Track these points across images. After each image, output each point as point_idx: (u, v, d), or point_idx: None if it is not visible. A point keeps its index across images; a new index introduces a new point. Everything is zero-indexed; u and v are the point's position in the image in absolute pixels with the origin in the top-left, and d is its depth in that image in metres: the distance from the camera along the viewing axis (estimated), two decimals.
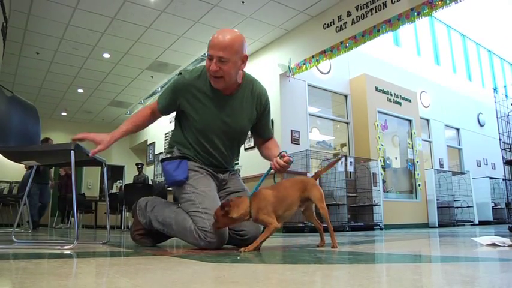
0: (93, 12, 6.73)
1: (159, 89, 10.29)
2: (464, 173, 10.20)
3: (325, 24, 6.74)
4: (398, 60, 10.08)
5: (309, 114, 7.95)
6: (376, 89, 8.69)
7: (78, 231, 2.30)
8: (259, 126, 2.52)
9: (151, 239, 2.54)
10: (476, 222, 9.43)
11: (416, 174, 9.04)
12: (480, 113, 12.68)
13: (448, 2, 5.19)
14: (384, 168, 8.33)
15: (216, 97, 2.32)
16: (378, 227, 7.37)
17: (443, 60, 12.12)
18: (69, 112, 12.33)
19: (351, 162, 7.37)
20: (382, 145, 8.39)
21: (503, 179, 11.00)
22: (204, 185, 2.32)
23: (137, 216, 2.53)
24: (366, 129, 8.32)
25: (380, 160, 8.07)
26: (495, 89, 5.54)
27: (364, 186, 7.73)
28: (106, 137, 2.24)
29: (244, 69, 2.37)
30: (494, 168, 12.28)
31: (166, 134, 11.40)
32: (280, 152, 2.20)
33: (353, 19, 6.26)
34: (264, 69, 7.73)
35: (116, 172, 14.34)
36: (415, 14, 5.54)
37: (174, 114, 2.54)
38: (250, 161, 6.56)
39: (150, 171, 12.21)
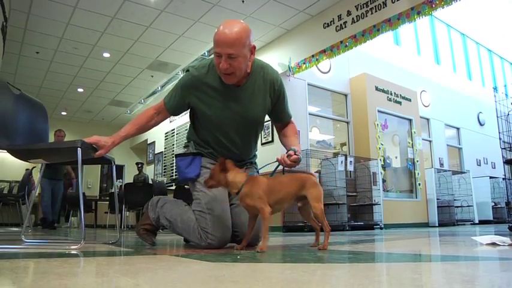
0: (93, 11, 6.73)
1: (159, 88, 10.28)
2: (464, 172, 10.20)
3: (325, 23, 6.73)
4: (399, 60, 10.07)
5: (309, 114, 7.94)
6: (376, 88, 8.69)
7: (85, 231, 2.28)
8: (276, 112, 2.46)
9: (153, 236, 2.54)
10: (476, 221, 9.43)
11: (416, 174, 9.04)
12: (480, 112, 12.68)
13: (448, 1, 5.19)
14: (383, 167, 8.33)
15: (226, 90, 2.26)
16: (378, 226, 7.38)
17: (443, 60, 12.11)
18: (69, 111, 12.32)
19: (351, 161, 7.37)
20: (382, 144, 8.39)
21: (503, 178, 10.99)
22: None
23: (147, 211, 2.54)
24: (366, 129, 8.32)
25: (380, 159, 8.07)
26: (495, 88, 5.54)
27: (364, 186, 7.73)
28: (108, 141, 2.23)
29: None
30: (494, 168, 12.28)
31: (166, 133, 11.40)
32: (288, 150, 2.19)
33: (353, 18, 6.26)
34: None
35: (116, 171, 14.35)
36: (415, 13, 5.53)
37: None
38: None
39: (150, 171, 12.21)
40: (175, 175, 10.51)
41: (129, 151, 14.21)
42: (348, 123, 8.65)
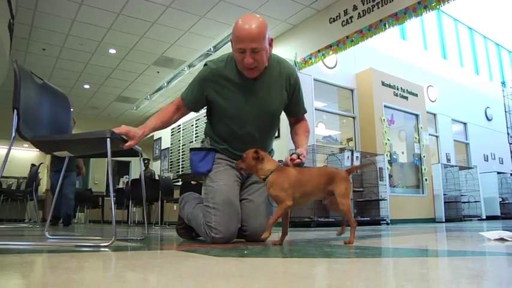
0: (98, 8, 6.74)
1: (165, 84, 10.30)
2: (471, 168, 10.13)
3: (331, 18, 6.70)
4: (405, 55, 10.00)
5: (315, 109, 7.92)
6: (383, 84, 8.64)
7: (116, 227, 2.24)
8: (291, 106, 2.47)
9: (192, 232, 2.62)
10: (484, 217, 9.37)
11: (423, 169, 8.99)
12: (488, 107, 12.57)
13: None
14: (390, 162, 8.30)
15: (244, 83, 2.28)
16: (385, 221, 7.36)
17: (450, 54, 12.02)
18: (75, 108, 12.38)
19: (357, 156, 7.35)
20: (388, 140, 8.36)
21: (511, 174, 10.97)
22: (222, 179, 2.32)
23: (180, 211, 2.64)
24: (372, 124, 8.29)
25: (386, 155, 8.03)
26: (503, 83, 5.50)
27: (370, 181, 7.71)
28: (138, 132, 2.20)
29: None
30: (502, 163, 12.19)
31: (172, 129, 11.42)
32: (292, 154, 2.20)
33: (359, 13, 6.23)
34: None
35: (122, 167, 14.42)
36: (422, 7, 5.50)
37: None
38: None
39: (156, 167, 12.25)
40: (182, 171, 10.54)
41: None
42: (354, 118, 8.62)
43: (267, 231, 2.05)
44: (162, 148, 12.20)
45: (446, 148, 10.55)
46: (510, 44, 14.58)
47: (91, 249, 1.99)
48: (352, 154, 7.27)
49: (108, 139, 2.03)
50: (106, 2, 6.58)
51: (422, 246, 2.29)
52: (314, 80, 7.93)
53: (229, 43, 2.34)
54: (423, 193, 8.94)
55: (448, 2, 5.36)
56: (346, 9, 6.44)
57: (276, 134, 7.37)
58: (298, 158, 2.16)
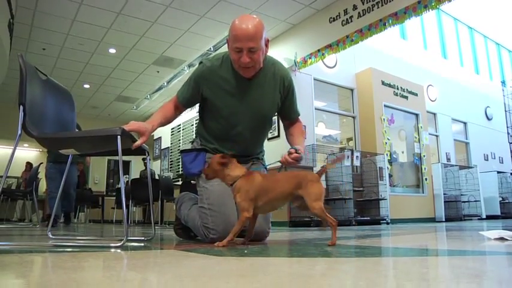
0: (98, 7, 6.74)
1: (165, 84, 10.30)
2: (471, 167, 10.14)
3: (331, 18, 6.70)
4: (405, 54, 10.00)
5: (315, 109, 7.93)
6: (383, 83, 8.64)
7: (128, 227, 2.21)
8: (284, 108, 2.48)
9: (189, 232, 2.63)
10: (484, 216, 9.37)
11: (423, 169, 9.00)
12: (488, 106, 12.57)
13: None
14: (390, 162, 8.30)
15: (238, 83, 2.29)
16: (385, 221, 7.36)
17: (450, 54, 12.02)
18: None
19: (357, 156, 7.35)
20: (388, 139, 8.36)
21: (511, 173, 10.97)
22: (214, 180, 2.32)
23: (177, 212, 2.66)
24: (372, 123, 8.29)
25: (386, 154, 8.04)
26: (503, 82, 5.50)
27: (370, 181, 7.71)
28: (148, 127, 2.17)
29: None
30: (502, 162, 12.19)
31: (172, 129, 11.42)
32: (289, 149, 2.20)
33: (359, 12, 6.23)
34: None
35: (123, 167, 14.42)
36: (422, 7, 5.50)
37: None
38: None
39: (156, 166, 12.26)
40: (182, 170, 10.54)
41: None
42: (354, 118, 8.62)
43: (225, 240, 1.99)
44: (162, 148, 12.20)
45: (446, 147, 10.56)
46: (510, 43, 14.57)
47: (101, 250, 1.99)
48: (352, 153, 7.27)
49: (119, 137, 1.96)
50: (106, 1, 6.58)
51: (422, 246, 2.29)
52: (314, 79, 7.94)
53: None
54: (423, 193, 8.94)
55: (448, 2, 5.36)
56: (346, 9, 6.43)
57: (276, 134, 7.34)
58: (296, 152, 2.16)
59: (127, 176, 12.56)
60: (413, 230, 4.35)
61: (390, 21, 5.83)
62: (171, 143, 11.62)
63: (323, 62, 7.90)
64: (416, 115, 9.23)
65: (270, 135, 7.19)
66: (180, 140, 11.06)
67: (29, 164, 10.68)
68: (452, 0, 5.29)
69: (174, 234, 2.79)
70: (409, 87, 9.20)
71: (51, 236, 2.68)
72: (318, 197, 1.97)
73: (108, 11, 6.88)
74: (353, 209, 6.96)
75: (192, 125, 10.34)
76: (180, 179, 9.42)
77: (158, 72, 9.65)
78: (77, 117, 2.72)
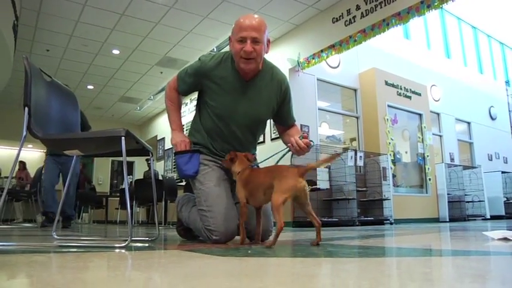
0: (102, 8, 6.76)
1: None
2: (475, 167, 10.11)
3: (334, 18, 6.70)
4: (408, 54, 9.98)
5: (319, 109, 7.92)
6: (386, 83, 8.63)
7: (132, 228, 2.22)
8: (281, 113, 2.49)
9: (190, 233, 2.65)
10: (488, 216, 9.34)
11: (427, 169, 8.98)
12: (492, 106, 12.52)
13: None
14: (393, 162, 8.29)
15: (236, 83, 2.32)
16: (388, 221, 7.35)
17: (453, 53, 11.98)
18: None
19: (360, 156, 7.35)
20: (392, 139, 8.35)
21: None
22: (211, 180, 2.33)
23: (178, 214, 2.67)
24: (375, 124, 8.28)
25: (390, 154, 8.03)
26: (507, 82, 5.48)
27: (374, 181, 7.70)
28: (186, 138, 2.46)
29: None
30: (506, 162, 12.14)
31: None
32: (302, 134, 2.20)
33: (362, 13, 6.22)
34: (273, 63, 7.72)
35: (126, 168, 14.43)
36: (425, 6, 5.48)
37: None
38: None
39: (160, 167, 12.28)
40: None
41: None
42: (357, 118, 8.61)
43: (241, 236, 2.14)
44: (166, 148, 12.22)
45: (450, 147, 10.53)
46: None
47: (105, 250, 2.00)
48: (356, 154, 7.27)
49: (123, 138, 1.99)
50: (109, 2, 6.60)
51: (426, 246, 2.29)
52: (317, 79, 7.94)
53: None
54: (427, 193, 8.92)
55: (452, 1, 5.35)
56: (349, 9, 6.43)
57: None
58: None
59: (130, 176, 12.59)
60: (417, 230, 4.34)
61: (393, 21, 5.82)
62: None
63: (326, 62, 7.89)
64: (420, 115, 9.21)
65: (273, 136, 7.19)
66: None
67: (22, 163, 10.62)
68: None
69: (177, 235, 2.80)
70: (413, 87, 9.18)
71: (55, 237, 2.68)
72: (282, 191, 1.93)
73: (112, 12, 6.90)
74: (356, 209, 6.96)
75: None
76: (183, 179, 9.44)
77: (161, 73, 9.67)
78: None
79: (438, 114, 10.44)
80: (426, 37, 11.12)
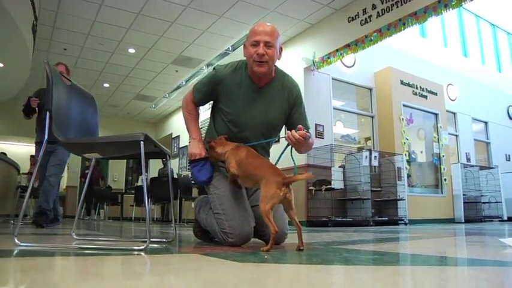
0: (118, 8, 6.84)
1: (184, 83, 10.39)
2: (492, 168, 9.96)
3: (349, 17, 6.67)
4: (425, 52, 9.88)
5: (333, 108, 7.90)
6: (402, 82, 8.57)
7: (150, 228, 2.22)
8: (293, 120, 2.50)
9: (207, 235, 2.66)
10: (505, 218, 9.21)
11: (442, 169, 8.89)
12: (510, 105, 12.32)
13: None
14: (408, 162, 8.23)
15: (249, 89, 2.40)
16: (403, 221, 7.31)
17: (471, 52, 11.82)
18: None
19: (375, 156, 7.31)
20: (407, 139, 8.29)
21: None
22: (224, 184, 2.38)
23: (196, 215, 2.71)
24: (390, 123, 8.23)
25: (405, 154, 7.97)
26: None
27: (388, 181, 7.67)
28: (203, 150, 2.47)
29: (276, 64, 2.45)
30: None
31: None
32: (298, 126, 2.22)
33: (378, 12, 6.18)
34: (288, 63, 7.68)
35: (140, 165, 14.59)
36: (442, 6, 5.42)
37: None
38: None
39: (174, 165, 12.37)
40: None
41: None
42: (372, 117, 8.56)
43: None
44: (181, 146, 12.31)
45: (466, 147, 10.40)
46: None
47: (125, 253, 2.04)
48: (371, 153, 7.24)
49: (142, 142, 2.04)
50: (125, 2, 6.68)
51: (441, 253, 2.28)
52: (332, 79, 7.92)
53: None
54: (442, 193, 8.84)
55: (470, 0, 5.27)
56: (365, 8, 6.39)
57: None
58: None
59: (146, 174, 12.70)
60: (432, 233, 4.32)
61: (410, 21, 5.76)
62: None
63: (341, 61, 7.86)
64: (436, 115, 9.12)
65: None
66: None
67: (33, 158, 10.70)
68: None
69: (193, 235, 2.83)
70: (429, 86, 9.09)
71: (75, 237, 2.74)
72: (267, 198, 1.98)
73: (128, 12, 6.97)
74: (371, 209, 6.94)
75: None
76: None
77: (177, 71, 9.74)
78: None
79: (454, 113, 10.32)
80: (443, 35, 10.98)
